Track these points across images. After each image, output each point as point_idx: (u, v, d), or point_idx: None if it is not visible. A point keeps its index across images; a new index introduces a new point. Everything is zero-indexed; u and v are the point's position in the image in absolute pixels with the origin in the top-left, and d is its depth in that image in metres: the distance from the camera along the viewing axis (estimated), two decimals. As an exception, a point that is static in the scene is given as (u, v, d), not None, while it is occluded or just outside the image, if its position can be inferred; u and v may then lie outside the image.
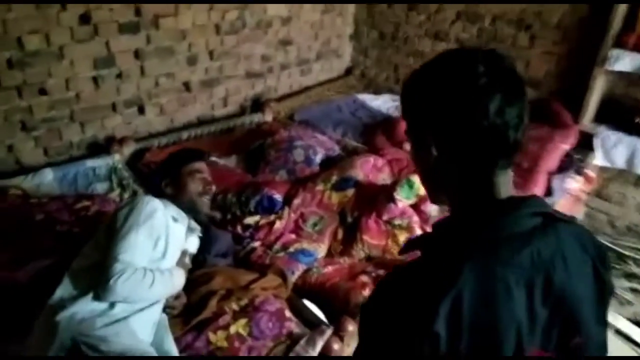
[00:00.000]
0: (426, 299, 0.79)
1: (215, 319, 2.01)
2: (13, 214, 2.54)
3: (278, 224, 2.70)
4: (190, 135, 3.61)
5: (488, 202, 0.89)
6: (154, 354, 1.80)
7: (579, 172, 3.15)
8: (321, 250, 2.61)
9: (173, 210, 2.13)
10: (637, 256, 3.22)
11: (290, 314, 2.14)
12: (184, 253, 2.11)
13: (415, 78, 0.93)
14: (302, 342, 2.00)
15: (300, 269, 2.44)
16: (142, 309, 1.86)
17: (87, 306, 1.79)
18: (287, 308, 2.16)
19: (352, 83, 4.75)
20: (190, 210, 2.22)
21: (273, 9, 3.95)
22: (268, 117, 3.98)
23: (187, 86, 3.65)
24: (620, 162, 3.17)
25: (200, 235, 2.30)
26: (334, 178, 2.94)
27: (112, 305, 1.81)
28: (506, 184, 0.90)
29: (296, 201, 2.82)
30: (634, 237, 3.32)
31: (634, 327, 2.82)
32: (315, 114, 4.05)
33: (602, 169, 3.26)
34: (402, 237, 2.60)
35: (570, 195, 3.10)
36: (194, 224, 2.23)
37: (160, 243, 1.96)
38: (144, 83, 3.40)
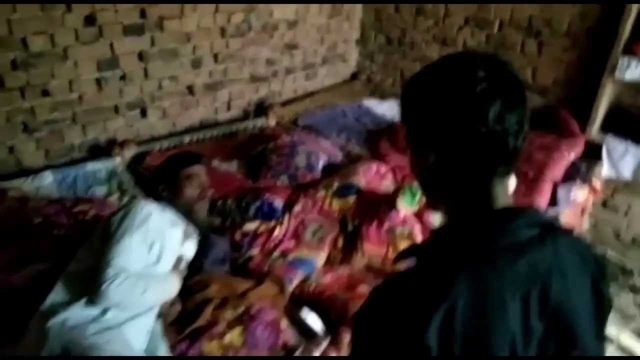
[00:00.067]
0: (419, 310, 0.77)
1: (210, 327, 1.99)
2: (11, 217, 2.53)
3: (277, 231, 2.67)
4: (192, 139, 3.60)
5: (485, 211, 0.87)
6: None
7: (585, 182, 3.10)
8: (320, 258, 2.58)
9: (170, 214, 2.11)
10: (643, 269, 3.17)
11: (287, 323, 2.12)
12: (179, 259, 2.08)
13: (415, 81, 0.92)
14: (298, 352, 1.98)
15: (298, 277, 2.42)
16: (135, 316, 1.84)
17: (79, 312, 1.77)
18: (283, 318, 2.13)
19: (357, 88, 4.72)
20: (187, 215, 2.19)
21: (279, 12, 3.93)
22: (272, 121, 3.97)
23: (190, 89, 3.64)
24: (627, 172, 3.12)
25: (198, 240, 2.27)
26: (336, 184, 2.91)
27: (104, 311, 1.79)
28: (504, 193, 0.89)
29: (297, 207, 2.80)
30: (640, 249, 3.27)
31: (638, 342, 2.77)
32: (319, 119, 4.02)
33: (609, 180, 3.21)
34: (403, 246, 2.56)
35: (575, 205, 3.05)
36: (190, 229, 2.20)
37: (155, 247, 1.95)
38: (147, 86, 3.39)
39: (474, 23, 3.87)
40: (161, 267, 1.96)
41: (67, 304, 1.78)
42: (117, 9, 3.06)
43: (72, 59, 3.00)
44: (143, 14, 3.18)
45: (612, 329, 2.73)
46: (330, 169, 3.25)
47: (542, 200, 2.99)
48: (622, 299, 3.02)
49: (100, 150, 3.30)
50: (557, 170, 3.10)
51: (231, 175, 3.26)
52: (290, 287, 2.36)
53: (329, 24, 4.38)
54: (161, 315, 1.98)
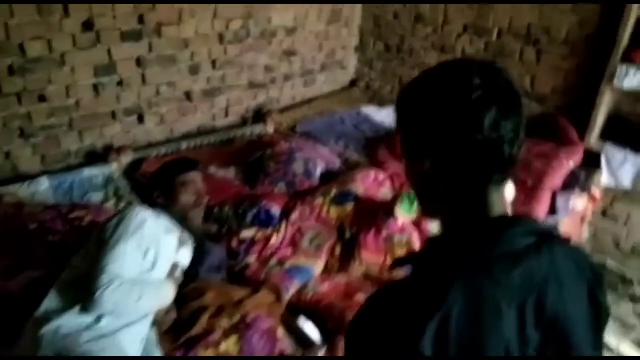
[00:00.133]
0: (414, 319, 0.76)
1: (205, 336, 1.96)
2: (6, 223, 2.51)
3: (275, 239, 2.65)
4: (189, 146, 3.58)
5: (481, 220, 0.87)
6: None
7: (584, 190, 3.08)
8: (318, 266, 2.55)
9: (165, 221, 2.09)
10: (643, 278, 3.15)
11: (283, 332, 2.09)
12: (175, 266, 2.06)
13: (410, 88, 0.92)
14: (294, 361, 1.96)
15: (295, 286, 2.40)
16: (130, 324, 1.82)
17: (72, 320, 1.75)
18: (280, 326, 2.11)
19: (356, 95, 4.72)
20: (182, 222, 2.17)
21: (278, 19, 3.92)
22: (270, 128, 3.95)
23: (188, 96, 3.63)
24: (626, 181, 3.11)
25: (193, 248, 2.25)
26: (334, 192, 2.89)
27: (98, 319, 1.77)
28: (500, 201, 0.88)
29: (294, 215, 2.78)
30: (640, 258, 3.25)
31: (639, 353, 2.74)
32: (317, 126, 4.01)
33: (608, 188, 3.20)
34: (401, 254, 2.54)
35: (575, 214, 3.04)
36: (186, 237, 2.18)
37: (150, 254, 1.93)
38: (144, 92, 3.38)
39: (473, 31, 3.88)
40: (156, 274, 1.94)
41: (60, 311, 1.77)
42: (116, 15, 3.05)
43: (69, 64, 3.00)
44: (141, 20, 3.17)
45: (612, 339, 2.71)
46: (328, 176, 3.24)
47: (541, 208, 2.97)
48: (622, 308, 3.00)
49: (97, 157, 3.28)
50: (556, 178, 3.09)
51: (228, 182, 3.24)
52: (287, 295, 2.33)
53: (327, 31, 4.38)
54: (156, 323, 1.96)
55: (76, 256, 1.96)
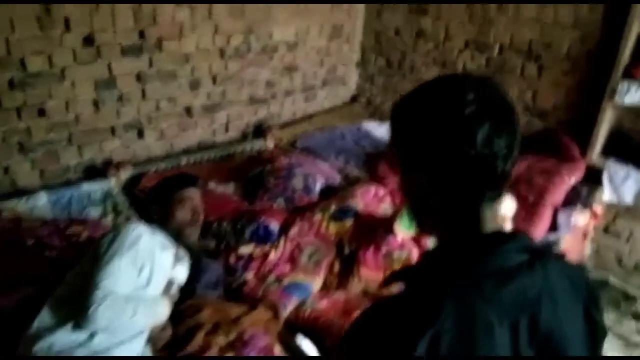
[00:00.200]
0: (405, 335, 0.76)
1: (201, 353, 1.94)
2: (4, 238, 2.51)
3: (273, 255, 2.63)
4: (189, 161, 3.57)
5: (473, 236, 0.87)
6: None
7: (586, 206, 3.06)
8: (316, 283, 2.53)
9: (161, 237, 2.08)
10: (645, 296, 3.12)
11: (280, 350, 2.06)
12: (170, 282, 2.04)
13: (404, 102, 0.91)
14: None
15: (293, 303, 2.37)
16: (124, 341, 1.80)
17: (66, 337, 1.74)
18: (277, 344, 2.08)
19: (357, 111, 4.71)
20: (178, 238, 2.15)
21: (279, 34, 3.93)
22: (270, 143, 3.94)
23: (188, 111, 3.62)
24: (628, 197, 3.09)
25: (190, 264, 2.23)
26: (333, 207, 2.88)
27: (92, 336, 1.75)
28: (493, 218, 0.87)
29: (293, 230, 2.76)
30: (643, 275, 3.21)
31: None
32: (318, 141, 4.00)
33: (610, 204, 3.17)
34: (400, 271, 2.52)
35: (576, 230, 3.01)
36: (182, 253, 2.16)
37: (144, 270, 1.91)
38: (144, 107, 3.38)
39: (474, 46, 3.88)
40: (151, 290, 1.92)
41: (54, 327, 1.76)
42: (116, 30, 3.06)
43: (69, 79, 2.99)
44: (142, 35, 3.17)
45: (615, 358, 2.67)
46: (328, 192, 3.22)
47: (542, 224, 2.95)
48: (624, 326, 2.96)
49: (96, 171, 3.27)
50: (558, 194, 3.07)
51: (227, 197, 3.23)
52: (285, 312, 2.31)
53: (328, 47, 4.38)
54: (151, 339, 1.93)
55: (71, 272, 1.95)
